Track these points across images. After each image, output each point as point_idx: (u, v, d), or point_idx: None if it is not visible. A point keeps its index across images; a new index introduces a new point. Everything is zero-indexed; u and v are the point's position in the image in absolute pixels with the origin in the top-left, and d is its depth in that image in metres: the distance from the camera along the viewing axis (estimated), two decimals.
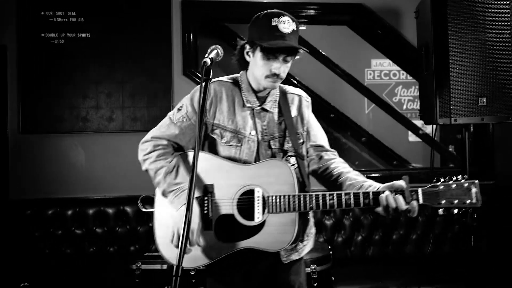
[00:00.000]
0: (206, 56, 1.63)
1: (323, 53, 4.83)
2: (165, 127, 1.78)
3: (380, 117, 5.36)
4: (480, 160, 3.82)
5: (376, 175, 3.80)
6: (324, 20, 3.90)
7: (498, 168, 3.78)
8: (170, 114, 1.81)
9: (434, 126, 2.81)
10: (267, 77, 1.70)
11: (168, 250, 1.69)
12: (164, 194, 1.73)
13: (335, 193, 1.61)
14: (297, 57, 1.73)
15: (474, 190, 1.52)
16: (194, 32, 3.55)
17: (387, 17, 3.68)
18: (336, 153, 1.87)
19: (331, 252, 2.98)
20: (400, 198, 1.53)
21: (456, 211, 1.53)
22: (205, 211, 1.65)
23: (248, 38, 1.73)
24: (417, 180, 3.70)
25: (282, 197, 1.62)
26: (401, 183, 1.57)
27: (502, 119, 2.38)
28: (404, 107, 5.47)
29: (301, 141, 1.80)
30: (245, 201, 1.65)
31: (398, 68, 5.44)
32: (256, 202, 1.64)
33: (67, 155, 3.43)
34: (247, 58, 1.77)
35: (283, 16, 1.66)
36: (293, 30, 1.66)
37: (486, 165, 3.81)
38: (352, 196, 1.59)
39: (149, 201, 1.97)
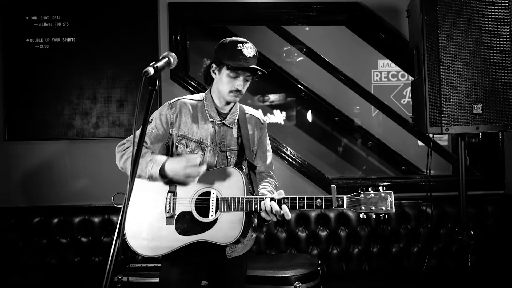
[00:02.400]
0: (151, 64, 1.51)
1: (324, 58, 4.65)
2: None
3: (387, 121, 5.11)
4: (489, 169, 3.57)
5: (386, 183, 3.59)
6: (321, 20, 3.69)
7: (508, 177, 3.51)
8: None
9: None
10: (230, 92, 1.97)
11: (136, 240, 1.95)
12: (143, 168, 1.88)
13: (258, 197, 1.92)
14: (255, 78, 2.02)
15: (389, 199, 1.79)
16: (183, 36, 3.43)
17: (384, 16, 3.47)
18: (271, 175, 2.20)
19: (319, 268, 2.80)
20: (273, 203, 1.85)
21: (374, 216, 1.81)
22: (168, 209, 1.95)
23: (215, 58, 2.00)
24: (419, 188, 3.50)
25: (233, 198, 1.90)
26: (275, 193, 1.90)
27: (500, 128, 2.15)
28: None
29: (253, 156, 2.13)
30: (202, 201, 1.94)
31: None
32: (211, 202, 1.92)
33: (53, 163, 3.36)
34: (212, 75, 2.03)
35: (247, 43, 1.96)
36: (254, 55, 1.95)
37: (495, 174, 3.55)
38: (258, 201, 1.90)
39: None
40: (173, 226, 1.92)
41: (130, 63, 3.34)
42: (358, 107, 5.19)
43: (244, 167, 2.09)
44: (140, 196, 1.98)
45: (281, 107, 5.14)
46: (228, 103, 2.04)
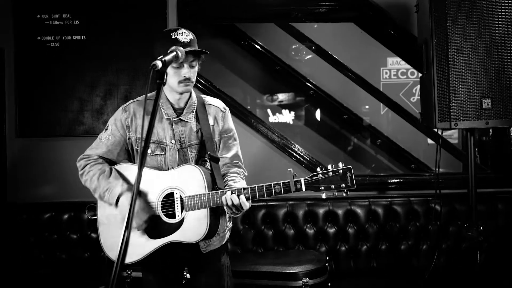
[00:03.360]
0: (159, 57, 1.54)
1: (333, 55, 4.64)
2: (95, 146, 2.08)
3: (397, 118, 5.08)
4: (500, 166, 3.53)
5: (395, 180, 3.58)
6: (330, 18, 3.69)
7: None
8: (100, 134, 2.10)
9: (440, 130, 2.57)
10: (180, 82, 1.91)
11: (113, 251, 1.96)
12: (101, 196, 1.98)
13: (219, 191, 1.88)
14: (200, 61, 1.96)
15: (349, 175, 1.77)
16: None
17: (393, 12, 3.45)
18: (238, 164, 2.11)
19: (327, 264, 2.80)
20: (233, 196, 1.82)
21: (336, 193, 1.79)
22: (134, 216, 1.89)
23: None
24: (428, 185, 3.47)
25: (195, 196, 1.87)
26: (237, 185, 1.91)
27: (509, 122, 2.13)
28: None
29: (217, 148, 2.06)
30: (168, 202, 1.92)
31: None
32: (175, 202, 1.90)
33: (64, 159, 3.39)
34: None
35: (180, 29, 1.91)
36: (191, 39, 1.91)
37: (506, 172, 3.51)
38: (219, 195, 1.87)
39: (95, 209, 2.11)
40: (143, 232, 1.92)
41: (140, 60, 3.37)
42: (367, 106, 5.17)
43: (207, 161, 2.04)
44: (107, 209, 1.99)
45: (289, 106, 5.13)
46: (181, 94, 1.98)
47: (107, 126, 2.06)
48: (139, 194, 1.90)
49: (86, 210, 2.13)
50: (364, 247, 3.33)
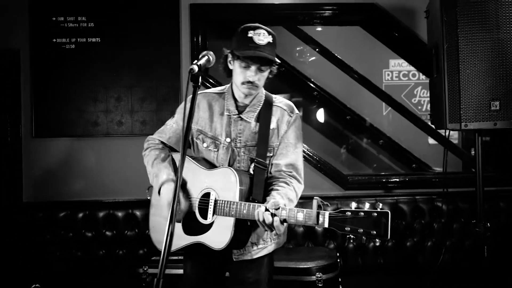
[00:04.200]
0: (194, 62, 1.62)
1: (338, 56, 4.75)
2: (160, 131, 2.08)
3: (398, 119, 5.20)
4: (501, 165, 3.65)
5: (396, 179, 3.68)
6: (336, 21, 3.79)
7: None
8: (168, 120, 2.10)
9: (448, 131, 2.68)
10: (242, 83, 1.85)
11: (154, 234, 2.01)
12: (151, 182, 1.99)
13: (248, 204, 1.75)
14: (273, 68, 1.88)
15: (383, 221, 1.50)
16: (203, 36, 3.53)
17: (400, 16, 3.56)
18: (289, 180, 1.90)
19: (338, 260, 2.90)
20: (266, 214, 1.65)
21: (364, 239, 1.53)
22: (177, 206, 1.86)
23: (230, 48, 1.89)
24: (431, 184, 3.58)
25: (226, 202, 1.79)
26: (270, 204, 1.68)
27: None
28: (424, 108, 5.31)
29: (270, 154, 1.93)
30: (204, 201, 1.88)
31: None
32: (210, 204, 1.85)
33: (78, 159, 3.47)
34: (229, 66, 1.92)
35: (259, 29, 1.81)
36: (269, 42, 1.80)
37: (508, 171, 3.63)
38: (251, 209, 1.74)
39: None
40: (180, 224, 1.89)
41: (153, 62, 3.46)
42: (369, 107, 5.28)
43: (262, 166, 1.90)
44: (155, 193, 2.00)
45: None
46: (246, 96, 1.92)
47: (174, 114, 2.07)
48: (183, 188, 1.90)
49: (147, 191, 2.12)
50: (371, 244, 3.43)
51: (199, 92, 1.89)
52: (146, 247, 3.36)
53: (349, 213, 1.53)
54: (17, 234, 3.28)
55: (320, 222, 1.57)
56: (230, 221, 1.77)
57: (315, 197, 1.57)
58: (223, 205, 1.79)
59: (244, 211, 1.73)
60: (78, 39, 3.43)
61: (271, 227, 1.65)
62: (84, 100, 3.44)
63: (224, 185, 1.81)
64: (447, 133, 2.60)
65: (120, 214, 3.40)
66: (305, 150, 3.63)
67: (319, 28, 5.04)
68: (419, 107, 5.33)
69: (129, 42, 3.45)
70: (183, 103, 1.98)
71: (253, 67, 1.81)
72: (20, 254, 3.26)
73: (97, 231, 3.37)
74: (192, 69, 1.57)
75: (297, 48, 5.29)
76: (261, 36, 1.80)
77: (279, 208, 1.65)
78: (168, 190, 1.85)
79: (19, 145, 3.41)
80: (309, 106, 5.25)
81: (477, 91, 2.25)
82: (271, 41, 1.81)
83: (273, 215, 1.64)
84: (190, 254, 1.99)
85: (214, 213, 1.82)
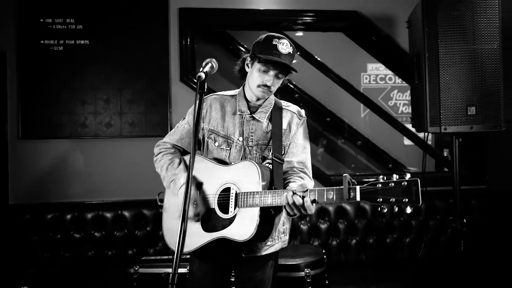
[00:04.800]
0: (200, 70, 1.71)
1: (319, 59, 4.90)
2: (172, 133, 2.12)
3: (376, 121, 5.42)
4: (472, 165, 3.88)
5: (373, 179, 3.84)
6: (320, 27, 3.94)
7: (490, 173, 3.84)
8: (178, 123, 2.14)
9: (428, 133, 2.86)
10: (258, 86, 1.93)
11: (169, 237, 2.01)
12: (168, 187, 2.02)
13: (272, 192, 1.80)
14: (287, 77, 1.99)
15: (414, 188, 1.52)
16: (192, 39, 3.61)
17: (381, 24, 3.73)
18: (303, 175, 1.99)
19: (325, 256, 3.03)
20: (296, 196, 1.71)
21: (396, 208, 1.55)
22: (195, 205, 1.90)
23: (251, 52, 1.98)
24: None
25: (248, 193, 1.83)
26: (298, 188, 1.78)
27: (490, 127, 2.44)
28: (400, 110, 5.53)
29: (283, 152, 2.01)
30: (224, 197, 1.91)
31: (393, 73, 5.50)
32: (231, 198, 1.88)
33: (66, 160, 3.48)
34: (246, 68, 2.01)
35: (283, 39, 1.91)
36: (289, 53, 1.90)
37: (478, 171, 3.87)
38: (276, 196, 1.78)
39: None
40: (199, 223, 1.91)
41: (142, 65, 3.50)
42: (348, 108, 5.47)
43: (271, 163, 1.98)
44: (173, 197, 2.01)
45: None
46: (258, 99, 2.00)
47: (186, 115, 2.10)
48: (199, 186, 1.94)
49: (157, 197, 2.12)
50: (353, 241, 3.60)
51: (212, 95, 2.09)
52: (136, 247, 3.41)
53: (379, 185, 1.55)
54: (4, 236, 3.26)
55: (351, 196, 1.59)
56: (254, 211, 1.80)
57: (344, 174, 1.62)
58: (245, 196, 1.82)
59: (269, 200, 1.77)
60: (67, 41, 3.44)
61: (300, 209, 1.70)
62: (72, 102, 3.46)
63: (245, 177, 1.86)
64: (427, 136, 2.77)
65: (108, 215, 3.43)
66: None
67: (300, 33, 5.18)
68: (395, 109, 5.55)
69: (118, 45, 3.48)
70: (192, 106, 2.01)
71: (271, 72, 1.90)
72: (8, 256, 3.24)
73: (86, 232, 3.39)
74: (200, 76, 1.66)
75: None
76: (284, 46, 1.89)
77: (307, 190, 1.72)
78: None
79: (5, 147, 3.39)
80: None
81: (455, 97, 2.43)
82: (291, 52, 1.91)
83: (302, 197, 1.69)
84: (205, 252, 1.95)
85: (236, 206, 1.85)
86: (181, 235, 1.47)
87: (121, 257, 3.36)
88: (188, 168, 1.56)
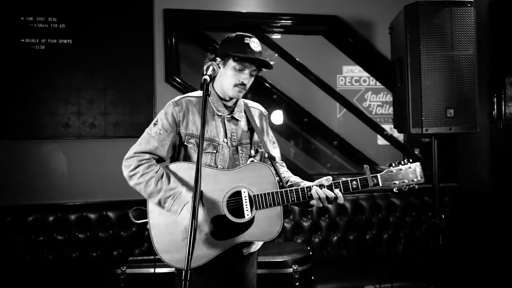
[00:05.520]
0: (204, 73, 1.76)
1: (298, 60, 5.01)
2: (145, 142, 1.94)
3: (351, 122, 5.60)
4: (444, 164, 4.09)
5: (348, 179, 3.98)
6: (300, 30, 4.05)
7: (460, 171, 4.07)
8: (147, 129, 1.98)
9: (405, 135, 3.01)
10: (235, 86, 1.94)
11: (170, 255, 1.88)
12: (161, 202, 1.87)
13: (299, 188, 1.89)
14: (259, 73, 2.02)
15: (418, 170, 1.88)
16: (176, 40, 3.63)
17: (360, 29, 3.88)
18: (284, 164, 2.17)
19: (310, 253, 3.14)
20: (326, 190, 1.86)
21: (406, 188, 1.89)
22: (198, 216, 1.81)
23: (220, 52, 1.97)
24: None
25: (267, 194, 1.86)
26: (323, 180, 1.91)
27: (467, 129, 2.60)
28: (374, 112, 5.72)
29: (268, 148, 2.09)
30: (234, 201, 1.87)
31: (368, 75, 5.69)
32: (244, 201, 1.86)
33: (48, 161, 3.42)
34: (217, 69, 1.94)
35: (253, 38, 1.96)
36: (260, 51, 1.95)
37: (450, 169, 4.08)
38: (299, 192, 1.88)
39: (140, 212, 2.05)
40: (209, 233, 1.84)
41: (126, 65, 3.49)
42: (324, 109, 5.61)
43: (255, 160, 2.03)
44: (165, 215, 1.88)
45: None
46: (231, 99, 2.00)
47: (156, 121, 1.96)
48: (202, 196, 1.86)
49: (130, 213, 2.01)
50: (335, 238, 3.73)
51: (184, 97, 2.02)
52: (121, 248, 3.40)
53: (394, 171, 1.88)
54: None
55: (375, 182, 1.87)
56: (277, 210, 1.86)
57: (365, 165, 1.90)
58: (263, 197, 1.85)
59: (293, 197, 1.86)
60: (49, 40, 3.38)
61: (331, 200, 1.85)
62: (55, 102, 3.40)
63: (257, 179, 1.87)
64: (405, 137, 2.91)
65: (93, 216, 3.41)
66: None
67: (278, 36, 5.28)
68: (369, 110, 5.74)
69: (102, 45, 3.46)
70: (164, 110, 1.97)
71: (247, 71, 1.92)
72: None
73: (69, 234, 3.35)
74: (206, 79, 1.71)
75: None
76: (256, 44, 1.93)
77: (331, 182, 1.88)
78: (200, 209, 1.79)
79: None
80: (269, 109, 5.46)
81: (435, 100, 2.59)
82: (260, 50, 1.96)
83: (331, 189, 1.85)
84: (212, 262, 1.88)
85: (252, 208, 1.85)
86: (192, 231, 1.48)
87: (107, 258, 3.35)
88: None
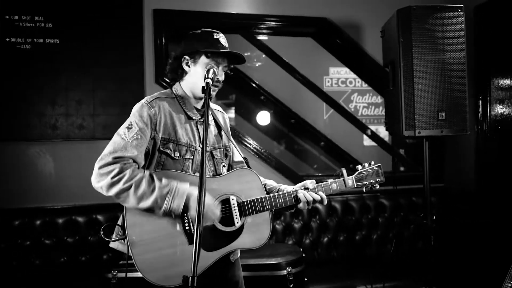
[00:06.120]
0: (206, 76, 1.74)
1: (286, 61, 5.03)
2: (122, 148, 1.72)
3: (337, 123, 5.65)
4: (431, 165, 4.16)
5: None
6: (290, 32, 4.07)
7: (446, 172, 4.15)
8: (120, 134, 1.76)
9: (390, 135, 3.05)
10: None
11: (157, 273, 1.72)
12: (157, 203, 1.66)
13: (286, 192, 1.90)
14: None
15: (380, 171, 2.06)
16: (166, 41, 3.59)
17: (350, 31, 3.91)
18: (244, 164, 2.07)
19: (303, 255, 3.15)
20: (311, 193, 1.91)
21: (372, 187, 2.05)
22: (187, 228, 1.74)
23: (187, 49, 1.85)
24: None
25: (256, 200, 1.83)
26: (307, 183, 1.96)
27: (458, 131, 2.66)
28: (360, 113, 5.79)
29: (236, 151, 2.06)
30: (223, 209, 1.80)
31: (354, 76, 5.75)
32: (233, 209, 1.81)
33: (35, 163, 3.34)
34: (185, 68, 1.89)
35: (220, 33, 1.89)
36: (227, 46, 1.89)
37: (436, 170, 4.16)
38: (286, 196, 1.89)
39: (116, 229, 1.85)
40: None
41: (116, 65, 3.44)
42: (311, 111, 5.64)
43: (225, 166, 1.97)
44: (143, 226, 1.72)
45: (240, 109, 5.44)
46: (201, 99, 1.90)
47: (130, 124, 1.76)
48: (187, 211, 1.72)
49: (101, 232, 1.77)
50: (325, 239, 3.75)
51: (155, 97, 1.87)
52: (111, 252, 3.31)
53: (364, 172, 2.03)
54: None
55: (350, 185, 1.99)
56: (265, 215, 1.86)
57: (342, 168, 2.01)
58: (252, 204, 1.82)
59: (281, 201, 1.87)
60: (35, 40, 3.30)
61: (316, 203, 1.90)
62: (42, 102, 3.33)
63: (244, 185, 1.84)
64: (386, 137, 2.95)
65: (81, 219, 3.34)
66: (263, 152, 3.85)
67: (265, 37, 5.29)
68: (355, 112, 5.80)
69: (91, 45, 3.39)
70: (137, 112, 1.81)
71: (221, 67, 1.85)
72: None
73: (57, 237, 3.27)
74: (208, 83, 1.69)
75: (245, 54, 5.48)
76: (224, 39, 1.89)
77: (314, 186, 1.94)
78: (209, 205, 1.68)
79: None
80: (256, 110, 5.47)
81: (427, 103, 2.63)
82: (228, 46, 1.90)
83: (315, 192, 1.91)
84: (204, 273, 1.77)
85: (241, 216, 1.81)
86: (198, 236, 1.45)
87: (96, 262, 3.29)
88: (200, 183, 1.43)
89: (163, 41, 3.56)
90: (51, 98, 3.34)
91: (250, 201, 1.83)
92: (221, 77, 1.86)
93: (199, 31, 1.88)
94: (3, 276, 3.13)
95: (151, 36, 3.53)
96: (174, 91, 1.93)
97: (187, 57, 1.87)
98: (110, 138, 3.34)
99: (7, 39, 3.26)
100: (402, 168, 4.95)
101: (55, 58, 3.33)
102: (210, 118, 1.97)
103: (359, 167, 2.04)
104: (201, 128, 1.88)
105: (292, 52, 5.38)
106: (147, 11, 3.52)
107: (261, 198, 1.84)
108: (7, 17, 3.26)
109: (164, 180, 1.70)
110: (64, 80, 3.36)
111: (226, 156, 2.02)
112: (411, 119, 2.63)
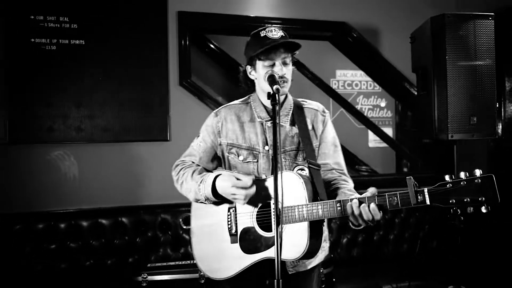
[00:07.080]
0: (269, 85, 1.73)
1: (301, 62, 5.09)
2: (188, 154, 2.00)
3: (343, 124, 5.75)
4: (441, 168, 4.27)
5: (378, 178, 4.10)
6: (308, 35, 4.11)
7: (457, 175, 4.25)
8: (192, 142, 2.02)
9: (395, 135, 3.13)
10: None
11: (204, 263, 1.86)
12: (196, 194, 1.81)
13: (328, 202, 1.65)
14: (296, 53, 1.84)
15: (489, 184, 1.41)
16: (190, 43, 3.59)
17: (367, 36, 3.98)
18: (345, 178, 1.91)
19: (332, 255, 3.20)
20: (364, 206, 1.58)
21: (471, 209, 1.42)
22: (229, 226, 1.81)
23: (246, 60, 1.89)
24: (393, 184, 4.10)
25: (292, 208, 1.67)
26: (368, 194, 1.62)
27: (488, 135, 2.76)
28: (365, 115, 5.90)
29: (316, 155, 1.88)
30: (264, 213, 1.76)
31: (360, 79, 5.87)
32: (272, 214, 1.73)
33: (59, 166, 3.30)
34: (252, 77, 1.92)
35: (269, 27, 1.81)
36: (282, 35, 1.79)
37: (446, 170, 4.26)
38: (334, 205, 1.64)
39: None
40: (237, 245, 1.76)
41: (140, 67, 3.41)
42: None
43: (305, 169, 1.83)
44: (202, 219, 1.88)
45: None
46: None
47: (199, 133, 1.99)
48: (234, 210, 1.80)
49: (181, 220, 1.99)
50: (345, 239, 3.81)
51: (224, 106, 1.99)
52: (137, 254, 3.32)
53: (449, 185, 1.44)
54: None
55: (420, 200, 1.48)
56: (302, 226, 1.65)
57: (407, 177, 1.50)
58: (289, 211, 1.66)
59: (319, 211, 1.62)
60: (60, 40, 3.25)
61: (370, 218, 1.59)
62: (66, 104, 3.27)
63: (286, 191, 1.65)
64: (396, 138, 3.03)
65: (107, 222, 3.31)
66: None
67: None
68: (361, 113, 5.91)
69: (115, 47, 3.36)
70: (205, 122, 1.99)
71: (277, 62, 1.78)
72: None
73: (83, 241, 3.23)
74: (278, 89, 1.66)
75: None
76: (274, 32, 1.77)
77: (365, 198, 1.59)
78: (224, 180, 1.72)
79: None
80: None
81: (460, 107, 2.72)
82: (283, 35, 1.79)
83: (369, 204, 1.57)
84: (244, 277, 1.78)
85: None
86: (278, 234, 1.43)
87: (122, 266, 3.26)
88: (275, 186, 1.43)
89: (187, 43, 3.55)
90: (76, 99, 3.30)
91: (287, 208, 1.67)
92: (281, 72, 1.78)
93: (249, 37, 1.87)
94: (29, 281, 3.08)
95: (175, 38, 3.52)
96: (252, 97, 1.98)
97: (248, 67, 1.91)
98: (134, 141, 3.35)
99: (32, 40, 3.21)
100: (405, 169, 5.08)
101: (80, 59, 3.29)
102: (288, 118, 1.89)
103: (447, 177, 1.48)
104: (268, 130, 1.87)
105: (298, 56, 5.44)
106: (172, 13, 3.51)
107: (298, 206, 1.67)
108: (32, 17, 3.21)
109: (206, 174, 1.83)
110: (88, 82, 3.32)
111: (297, 157, 1.87)
112: (444, 123, 2.71)
